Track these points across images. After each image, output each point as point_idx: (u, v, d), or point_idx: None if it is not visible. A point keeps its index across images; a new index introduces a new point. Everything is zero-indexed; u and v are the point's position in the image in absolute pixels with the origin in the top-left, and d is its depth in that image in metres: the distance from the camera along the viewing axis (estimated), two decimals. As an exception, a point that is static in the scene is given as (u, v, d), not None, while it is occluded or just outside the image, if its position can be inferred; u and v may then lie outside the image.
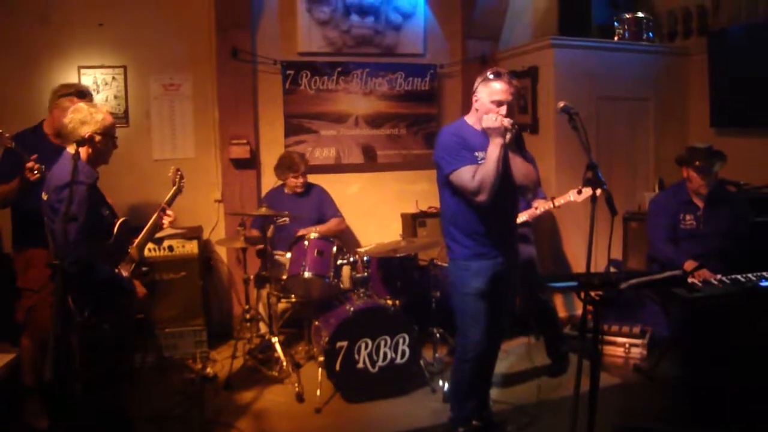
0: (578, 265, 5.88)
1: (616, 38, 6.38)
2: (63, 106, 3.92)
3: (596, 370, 2.70)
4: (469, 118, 3.55)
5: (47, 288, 3.80)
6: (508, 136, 3.30)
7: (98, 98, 5.55)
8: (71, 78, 5.50)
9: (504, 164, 3.32)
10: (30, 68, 5.38)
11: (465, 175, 3.32)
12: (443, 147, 3.46)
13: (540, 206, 4.69)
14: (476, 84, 3.47)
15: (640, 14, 6.35)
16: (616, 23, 6.40)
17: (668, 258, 4.54)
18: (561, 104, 3.04)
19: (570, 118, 2.94)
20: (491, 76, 3.38)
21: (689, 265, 4.17)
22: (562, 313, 5.90)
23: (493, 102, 3.34)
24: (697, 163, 4.49)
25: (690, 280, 3.57)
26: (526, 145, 3.59)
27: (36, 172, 3.55)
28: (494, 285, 3.48)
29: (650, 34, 6.37)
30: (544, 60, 5.96)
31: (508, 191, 3.45)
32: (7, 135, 3.61)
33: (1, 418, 3.79)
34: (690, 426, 3.75)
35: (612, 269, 5.52)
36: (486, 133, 3.35)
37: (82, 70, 5.57)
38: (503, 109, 3.32)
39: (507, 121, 3.28)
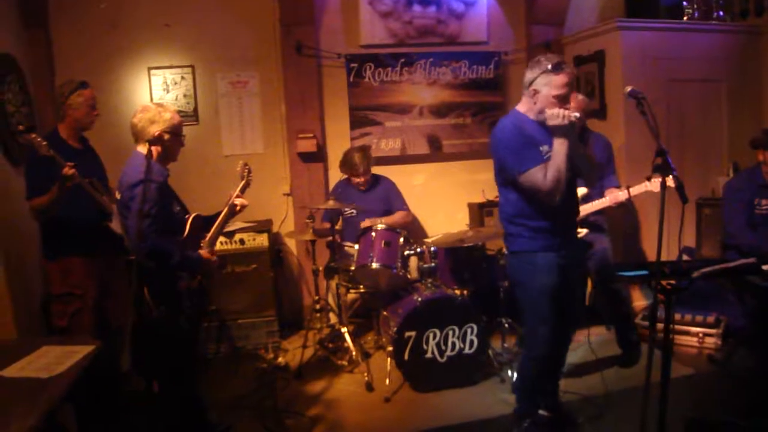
0: (653, 254, 5.74)
1: (685, 18, 6.22)
2: (76, 104, 3.91)
3: (667, 360, 2.66)
4: (522, 107, 3.41)
5: (90, 292, 3.87)
6: (575, 128, 3.23)
7: (168, 98, 5.74)
8: (143, 80, 5.71)
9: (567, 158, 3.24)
10: (102, 72, 5.53)
11: (537, 176, 3.22)
12: (507, 147, 3.33)
13: (612, 195, 4.49)
14: (533, 74, 3.28)
15: (710, -8, 6.16)
16: (685, 3, 6.24)
17: (749, 244, 4.38)
18: (628, 89, 2.96)
19: (638, 103, 2.86)
20: (550, 68, 3.22)
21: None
22: (641, 302, 5.79)
23: (556, 97, 3.22)
24: None
25: (765, 267, 3.45)
26: (597, 130, 3.53)
27: (73, 178, 3.53)
28: (560, 279, 3.38)
29: (720, 12, 6.18)
30: (610, 43, 5.83)
31: (568, 184, 3.36)
32: (44, 143, 3.49)
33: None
34: (766, 419, 3.63)
35: (685, 257, 5.38)
36: (543, 124, 3.28)
37: (152, 71, 5.74)
38: (570, 105, 3.24)
39: (574, 115, 3.18)
